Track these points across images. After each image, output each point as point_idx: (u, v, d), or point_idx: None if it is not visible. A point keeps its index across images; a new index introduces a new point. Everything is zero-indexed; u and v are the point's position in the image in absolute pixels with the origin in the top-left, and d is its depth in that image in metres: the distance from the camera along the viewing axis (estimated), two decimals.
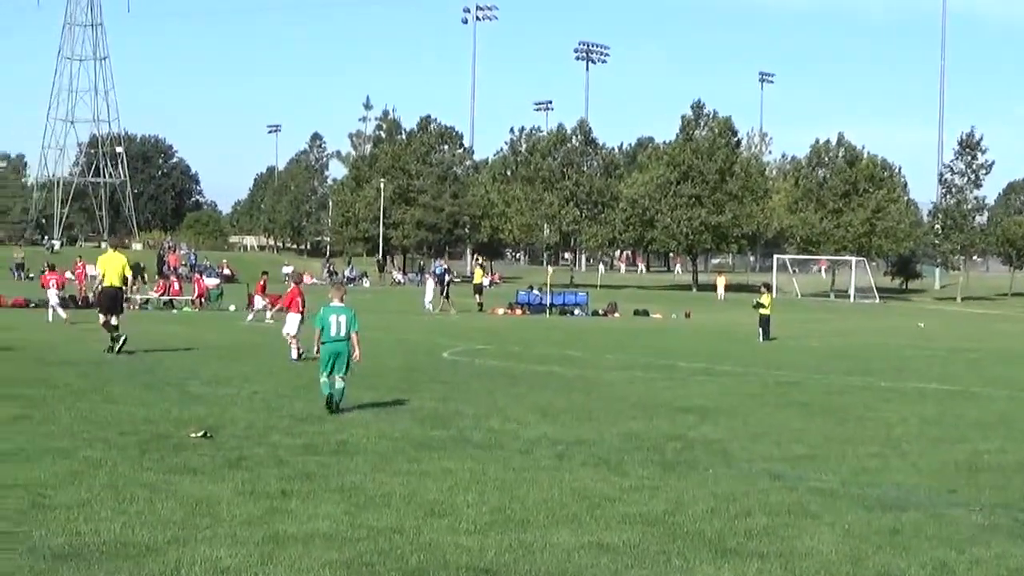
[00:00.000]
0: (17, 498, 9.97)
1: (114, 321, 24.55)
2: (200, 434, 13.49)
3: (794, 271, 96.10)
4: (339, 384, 16.06)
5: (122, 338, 24.17)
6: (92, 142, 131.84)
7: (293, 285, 26.53)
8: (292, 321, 25.06)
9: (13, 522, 9.17)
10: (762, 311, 36.47)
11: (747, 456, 13.44)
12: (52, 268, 41.69)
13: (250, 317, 39.14)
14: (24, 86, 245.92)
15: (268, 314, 38.94)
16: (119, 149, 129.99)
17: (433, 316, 47.79)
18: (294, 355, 24.15)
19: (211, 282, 54.12)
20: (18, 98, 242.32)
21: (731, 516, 10.16)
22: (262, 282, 42.53)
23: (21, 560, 8.10)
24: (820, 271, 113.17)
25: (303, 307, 25.54)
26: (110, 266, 24.92)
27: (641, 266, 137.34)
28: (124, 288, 25.44)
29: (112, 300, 24.79)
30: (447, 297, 51.59)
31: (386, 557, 8.49)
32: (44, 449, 12.36)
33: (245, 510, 9.80)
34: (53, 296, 38.28)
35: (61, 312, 37.17)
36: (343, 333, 16.16)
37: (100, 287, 25.21)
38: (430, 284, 54.19)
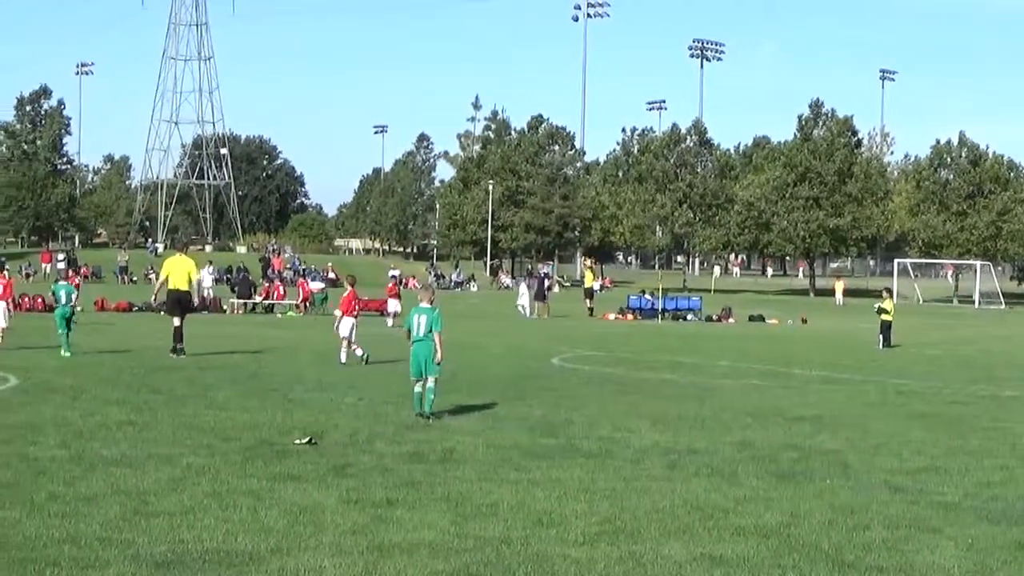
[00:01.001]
0: (120, 505, 10.03)
1: (177, 322, 24.69)
2: (305, 441, 13.50)
3: (916, 276, 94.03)
4: (429, 383, 16.00)
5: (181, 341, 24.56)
6: (196, 143, 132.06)
7: (349, 288, 26.10)
8: (345, 325, 24.61)
9: (116, 529, 9.19)
10: (884, 316, 35.66)
11: (866, 467, 13.11)
12: (76, 271, 42.40)
13: (390, 323, 39.06)
14: (129, 88, 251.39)
15: (390, 321, 39.05)
16: (223, 151, 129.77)
17: (541, 320, 47.62)
18: (343, 358, 23.98)
19: (315, 286, 54.35)
20: (123, 100, 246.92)
21: (849, 529, 9.92)
22: (392, 285, 42.52)
23: (124, 567, 8.11)
24: (948, 276, 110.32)
25: (358, 311, 25.31)
26: (176, 269, 25.09)
27: (769, 269, 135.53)
28: (190, 291, 25.67)
29: (178, 304, 25.03)
30: (543, 300, 51.43)
31: (493, 568, 8.39)
32: (147, 455, 12.44)
33: (349, 519, 9.74)
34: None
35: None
36: (422, 332, 16.17)
37: (159, 291, 25.26)
38: (522, 288, 53.47)
